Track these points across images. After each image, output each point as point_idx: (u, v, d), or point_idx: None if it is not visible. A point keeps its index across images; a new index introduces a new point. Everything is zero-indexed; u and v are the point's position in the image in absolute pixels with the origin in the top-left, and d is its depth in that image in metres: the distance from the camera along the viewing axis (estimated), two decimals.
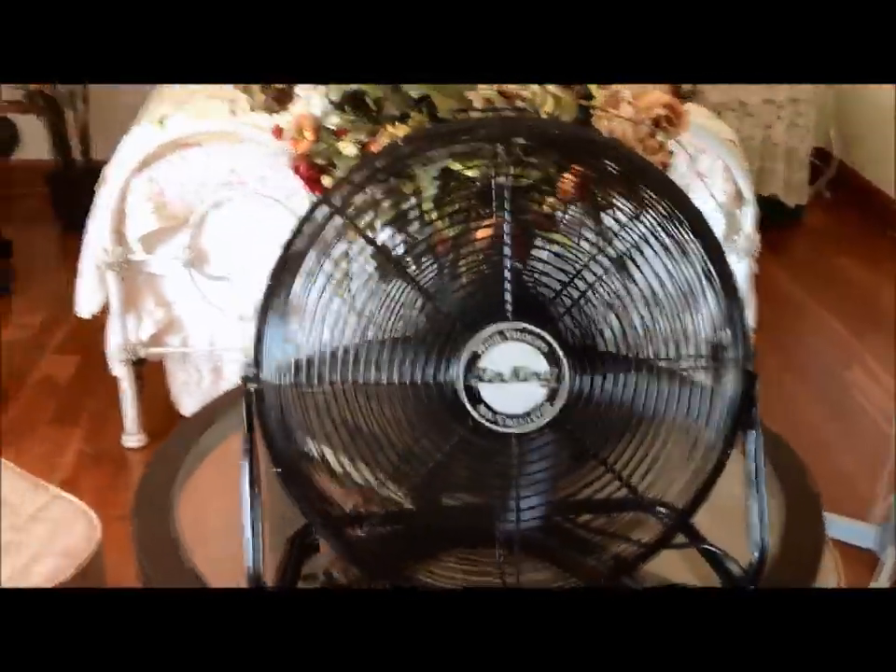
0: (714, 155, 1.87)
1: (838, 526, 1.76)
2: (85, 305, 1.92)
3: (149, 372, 2.06)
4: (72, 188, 3.05)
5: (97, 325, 2.24)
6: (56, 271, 2.82)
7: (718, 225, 1.92)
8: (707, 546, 0.99)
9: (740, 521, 0.96)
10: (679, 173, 1.88)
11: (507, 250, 0.83)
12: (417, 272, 0.85)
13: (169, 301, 1.95)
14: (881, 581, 1.60)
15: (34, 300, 2.69)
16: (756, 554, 0.93)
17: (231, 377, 1.96)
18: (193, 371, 1.98)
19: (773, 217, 3.14)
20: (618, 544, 0.91)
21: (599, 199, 0.90)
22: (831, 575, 1.10)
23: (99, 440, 2.06)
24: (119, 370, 1.95)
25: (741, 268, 1.92)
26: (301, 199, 1.80)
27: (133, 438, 2.03)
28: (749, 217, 1.89)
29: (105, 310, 1.95)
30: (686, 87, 1.12)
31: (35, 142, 3.16)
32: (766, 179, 3.09)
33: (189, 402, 2.00)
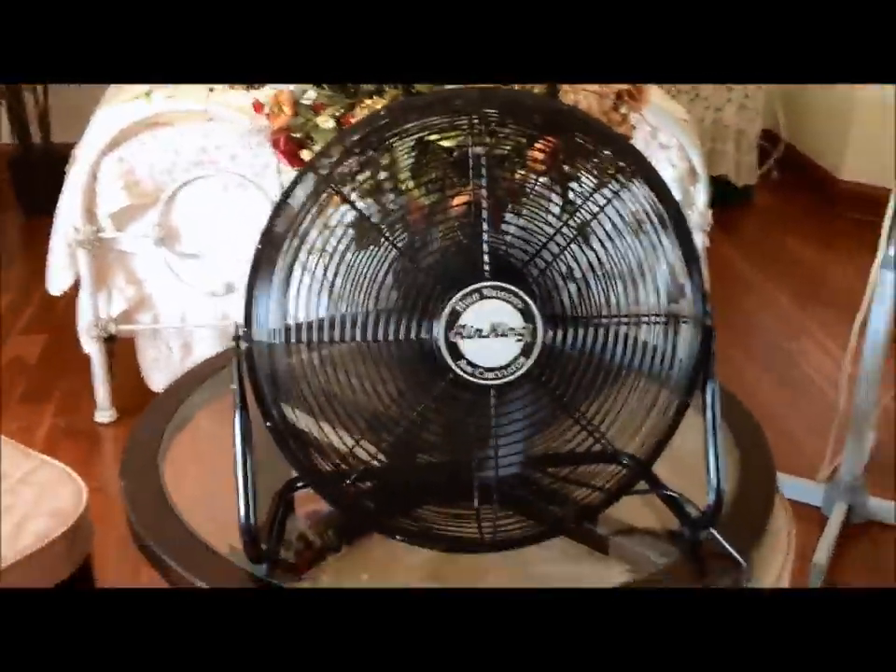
0: (669, 133, 1.95)
1: (788, 485, 1.84)
2: (56, 283, 1.95)
3: (120, 349, 2.09)
4: (32, 171, 3.05)
5: (63, 305, 2.26)
6: (19, 254, 2.84)
7: None
8: (667, 492, 1.07)
9: (700, 476, 1.03)
10: (640, 149, 1.96)
11: (484, 213, 0.89)
12: (395, 238, 0.90)
13: (140, 278, 1.98)
14: (829, 533, 1.69)
15: None
16: (712, 497, 1.00)
17: (202, 353, 1.99)
18: (164, 348, 2.02)
19: (723, 196, 3.24)
20: (582, 492, 0.98)
21: (567, 170, 0.96)
22: (782, 524, 1.17)
23: (71, 416, 2.09)
24: (91, 346, 1.97)
25: (696, 240, 1.99)
26: (272, 177, 1.86)
27: (105, 413, 2.06)
28: (701, 193, 1.97)
29: (74, 288, 1.98)
30: None
31: None
32: (717, 160, 3.17)
33: (159, 378, 2.03)
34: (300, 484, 1.05)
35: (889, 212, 1.54)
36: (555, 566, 1.04)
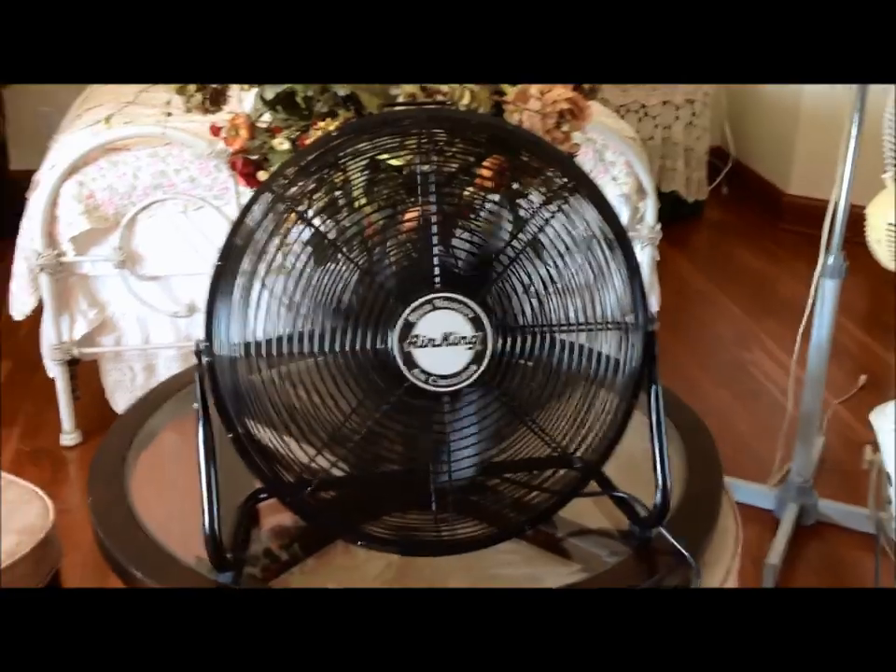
0: (617, 151, 2.00)
1: (741, 489, 1.90)
2: (19, 307, 1.96)
3: (84, 372, 2.10)
4: None
5: (26, 329, 2.28)
6: None
7: (622, 215, 2.05)
8: (617, 493, 1.11)
9: (651, 477, 1.07)
10: (587, 168, 2.02)
11: (434, 228, 0.93)
12: (351, 254, 0.94)
13: (102, 301, 2.00)
14: (781, 534, 1.74)
15: None
16: (659, 496, 1.05)
17: (165, 375, 2.01)
18: (126, 370, 2.04)
19: (675, 212, 3.31)
20: (534, 495, 1.02)
21: (514, 187, 1.00)
22: (730, 523, 1.21)
23: (36, 439, 2.10)
24: (54, 370, 1.99)
25: (645, 255, 2.05)
26: (231, 198, 1.90)
27: (69, 436, 2.07)
28: (649, 208, 2.02)
29: (37, 313, 1.99)
30: (587, 85, 1.22)
31: None
32: (667, 177, 3.25)
33: (123, 401, 2.05)
34: (263, 495, 1.09)
35: (828, 222, 1.60)
36: (514, 568, 1.08)
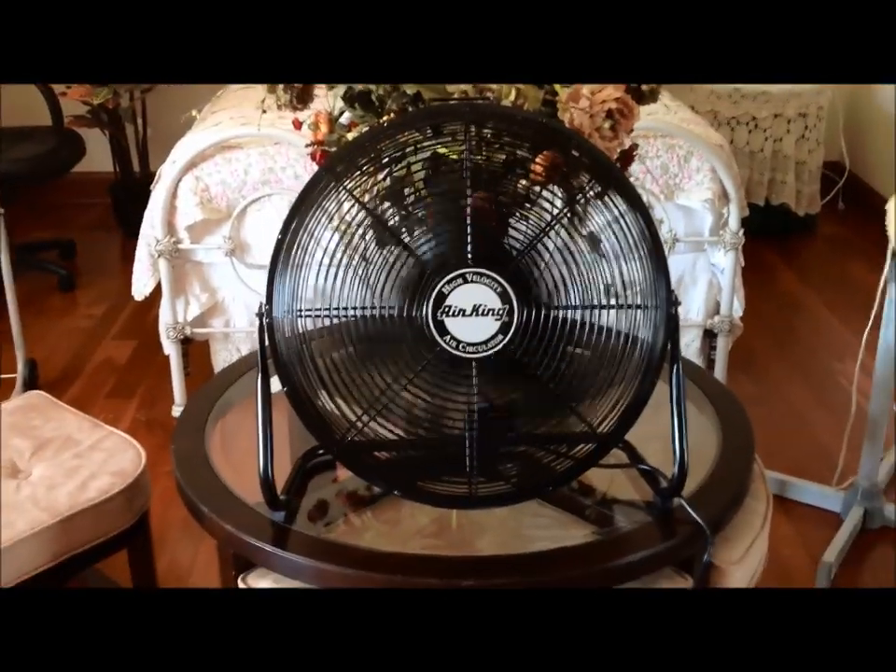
0: (703, 158, 2.06)
1: (809, 491, 1.93)
2: (139, 288, 2.16)
3: (195, 350, 2.29)
4: (131, 196, 3.30)
5: (150, 315, 2.49)
6: (116, 270, 3.10)
7: (706, 220, 2.10)
8: (642, 466, 1.19)
9: (698, 459, 1.14)
10: (672, 172, 2.08)
11: (468, 209, 1.04)
12: (395, 232, 1.05)
13: (213, 286, 2.18)
14: (840, 535, 1.76)
15: (97, 294, 2.97)
16: (676, 468, 1.12)
17: None
18: (234, 350, 2.21)
19: (785, 225, 3.31)
20: (557, 461, 1.11)
21: (567, 182, 1.09)
22: (760, 506, 1.27)
23: (152, 410, 2.31)
24: (169, 347, 2.18)
25: (728, 259, 2.09)
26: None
27: (179, 408, 2.25)
28: (733, 214, 2.06)
29: (157, 296, 2.19)
30: (645, 88, 1.30)
31: (98, 155, 3.45)
32: (777, 189, 3.25)
33: None
34: (320, 451, 1.21)
35: (892, 225, 1.63)
36: (542, 530, 1.17)
